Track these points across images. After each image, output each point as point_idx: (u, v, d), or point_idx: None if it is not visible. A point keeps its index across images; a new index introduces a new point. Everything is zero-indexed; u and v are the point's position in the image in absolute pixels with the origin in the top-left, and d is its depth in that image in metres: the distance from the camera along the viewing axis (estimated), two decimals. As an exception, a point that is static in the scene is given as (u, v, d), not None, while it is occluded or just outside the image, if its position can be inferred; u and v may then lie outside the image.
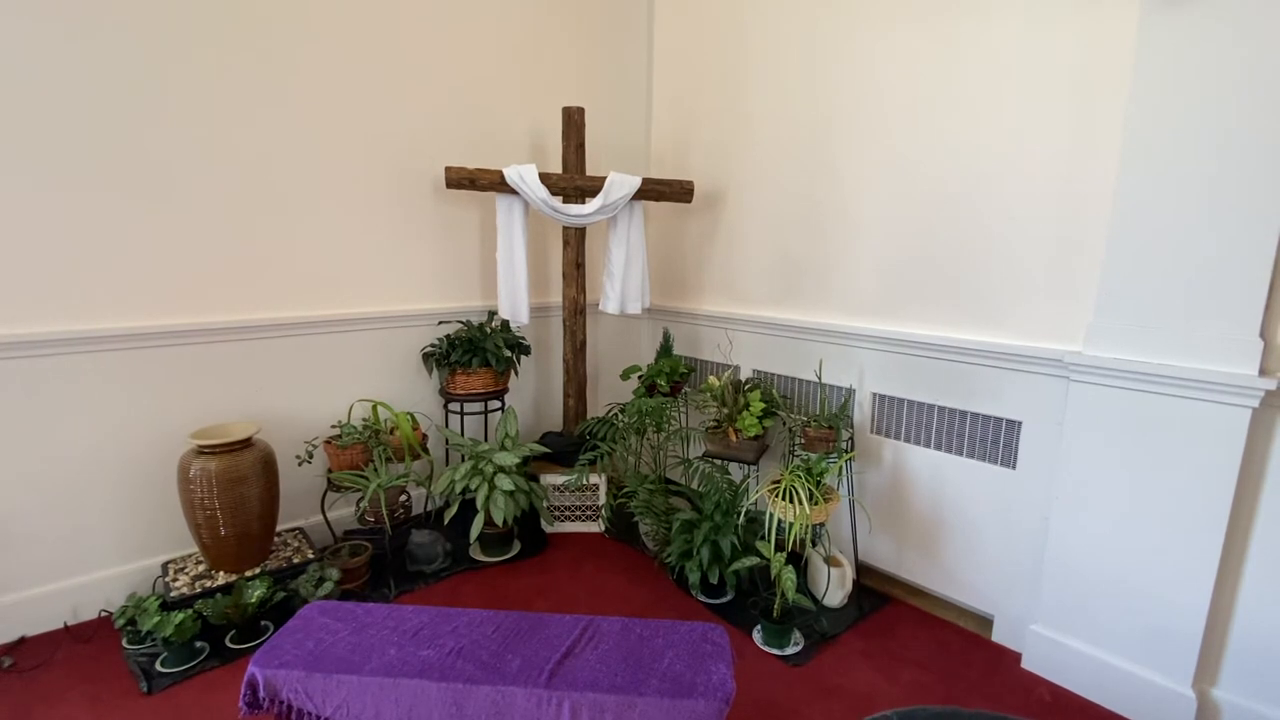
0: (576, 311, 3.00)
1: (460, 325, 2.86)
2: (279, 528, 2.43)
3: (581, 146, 2.84)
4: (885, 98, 2.32)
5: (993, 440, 2.15)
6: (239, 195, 2.29)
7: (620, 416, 2.82)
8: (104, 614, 2.17)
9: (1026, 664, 2.05)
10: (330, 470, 2.44)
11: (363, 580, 2.38)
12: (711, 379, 2.62)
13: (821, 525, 2.39)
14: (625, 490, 2.70)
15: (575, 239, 2.95)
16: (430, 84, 2.70)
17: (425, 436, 2.68)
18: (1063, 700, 1.92)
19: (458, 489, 2.44)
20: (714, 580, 2.30)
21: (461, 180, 2.56)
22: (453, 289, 2.90)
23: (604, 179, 2.74)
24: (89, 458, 2.12)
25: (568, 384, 3.07)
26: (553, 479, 2.88)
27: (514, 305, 2.73)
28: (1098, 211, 1.84)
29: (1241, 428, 1.61)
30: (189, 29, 2.13)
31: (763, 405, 2.47)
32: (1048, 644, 2.00)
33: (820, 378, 2.57)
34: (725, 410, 2.52)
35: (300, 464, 2.46)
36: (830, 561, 2.35)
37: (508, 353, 2.80)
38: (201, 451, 2.10)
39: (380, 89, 2.56)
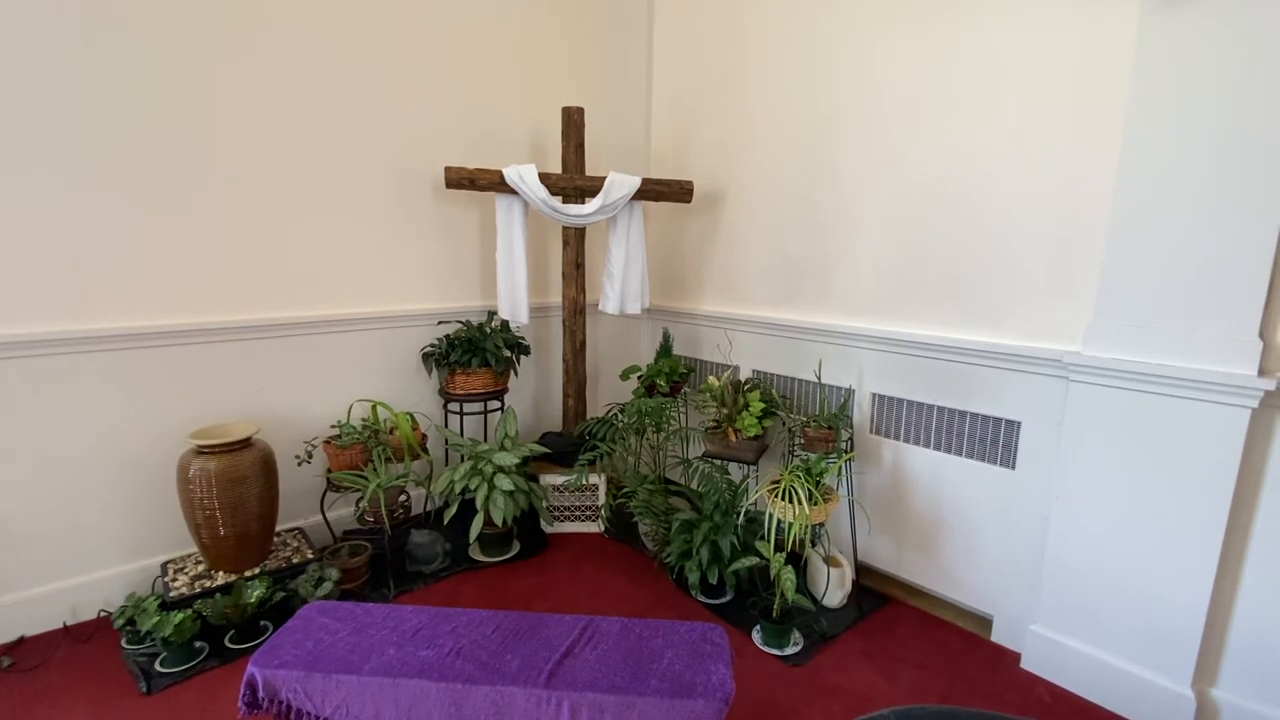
0: (576, 311, 3.00)
1: (460, 325, 2.86)
2: (278, 528, 2.43)
3: (581, 146, 2.84)
4: (885, 98, 2.32)
5: (992, 440, 2.15)
6: (239, 195, 2.29)
7: (620, 417, 2.82)
8: (103, 614, 2.17)
9: (1026, 664, 2.05)
10: (330, 470, 2.44)
11: (362, 580, 2.38)
12: (711, 379, 2.62)
13: (821, 525, 2.38)
14: (625, 490, 2.70)
15: (575, 239, 2.95)
16: (430, 84, 2.70)
17: (425, 436, 2.67)
18: (1062, 700, 1.92)
19: (457, 489, 2.44)
20: (713, 580, 2.29)
21: (461, 180, 2.55)
22: (452, 289, 2.90)
23: (604, 179, 2.74)
24: (88, 458, 2.12)
25: (567, 384, 3.07)
26: (552, 479, 2.88)
27: (514, 305, 2.73)
28: (1098, 211, 1.84)
29: (1241, 428, 1.61)
30: (189, 29, 2.13)
31: (762, 405, 2.47)
32: (1047, 644, 2.00)
33: (820, 378, 2.57)
34: (725, 410, 2.52)
35: (300, 464, 2.46)
36: (830, 561, 2.35)
37: (507, 353, 2.80)
38: (201, 451, 2.10)
39: (380, 89, 2.56)
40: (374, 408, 2.56)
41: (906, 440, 2.37)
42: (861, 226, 2.45)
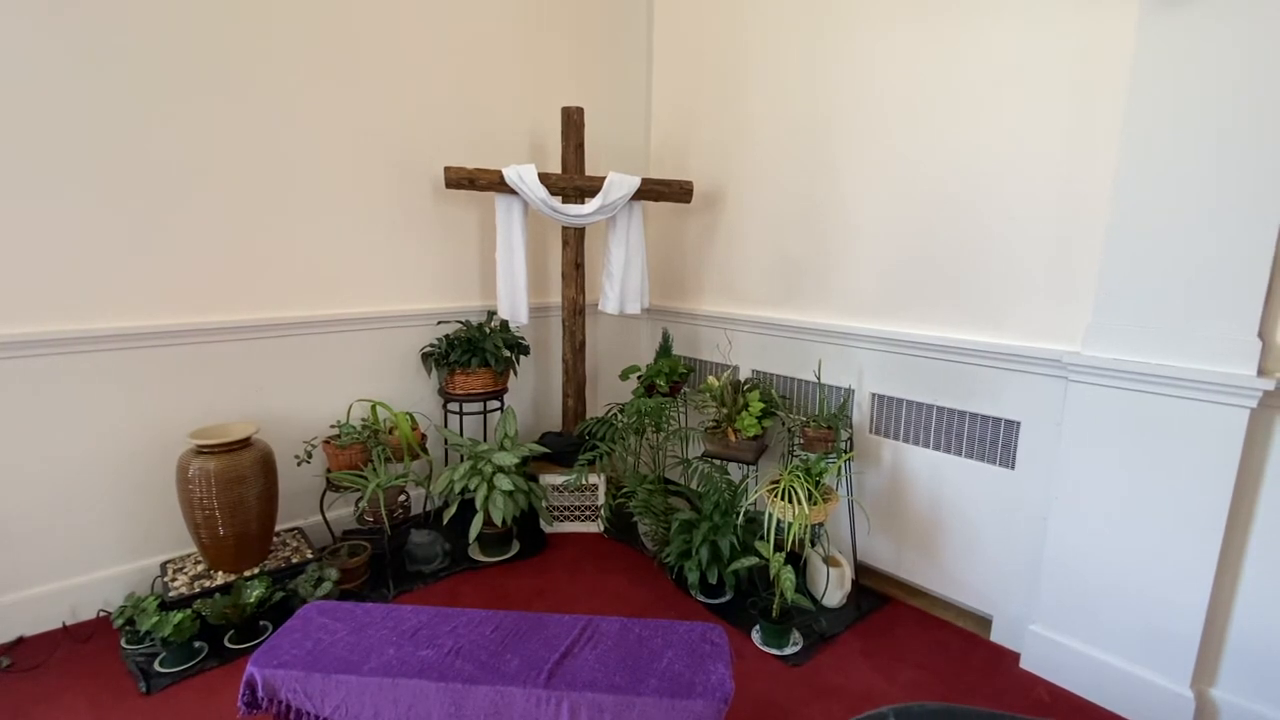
0: (576, 311, 3.00)
1: (459, 325, 2.86)
2: (278, 527, 2.42)
3: (581, 146, 2.84)
4: (885, 98, 2.32)
5: (991, 440, 2.15)
6: (238, 195, 2.29)
7: (619, 417, 2.82)
8: (102, 614, 2.17)
9: (1025, 664, 2.05)
10: (329, 470, 2.44)
11: (361, 580, 2.38)
12: (711, 379, 2.62)
13: (820, 525, 2.38)
14: (624, 490, 2.70)
15: (574, 239, 2.95)
16: (430, 84, 2.70)
17: (424, 436, 2.67)
18: (1061, 700, 1.92)
19: (457, 489, 2.44)
20: (713, 580, 2.29)
21: (461, 180, 2.55)
22: (452, 289, 2.90)
23: (603, 179, 2.74)
24: (88, 457, 2.12)
25: (567, 384, 3.07)
26: (552, 479, 2.88)
27: (513, 305, 2.73)
28: (1097, 211, 1.84)
29: (1240, 428, 1.61)
30: (188, 30, 2.12)
31: (762, 405, 2.47)
32: (1046, 644, 2.00)
33: (819, 378, 2.57)
34: (724, 410, 2.52)
35: (299, 464, 2.46)
36: (829, 561, 2.35)
37: (507, 353, 2.80)
38: (200, 451, 2.10)
39: (380, 89, 2.56)
40: (373, 408, 2.56)
41: (906, 440, 2.37)
42: (861, 226, 2.44)
